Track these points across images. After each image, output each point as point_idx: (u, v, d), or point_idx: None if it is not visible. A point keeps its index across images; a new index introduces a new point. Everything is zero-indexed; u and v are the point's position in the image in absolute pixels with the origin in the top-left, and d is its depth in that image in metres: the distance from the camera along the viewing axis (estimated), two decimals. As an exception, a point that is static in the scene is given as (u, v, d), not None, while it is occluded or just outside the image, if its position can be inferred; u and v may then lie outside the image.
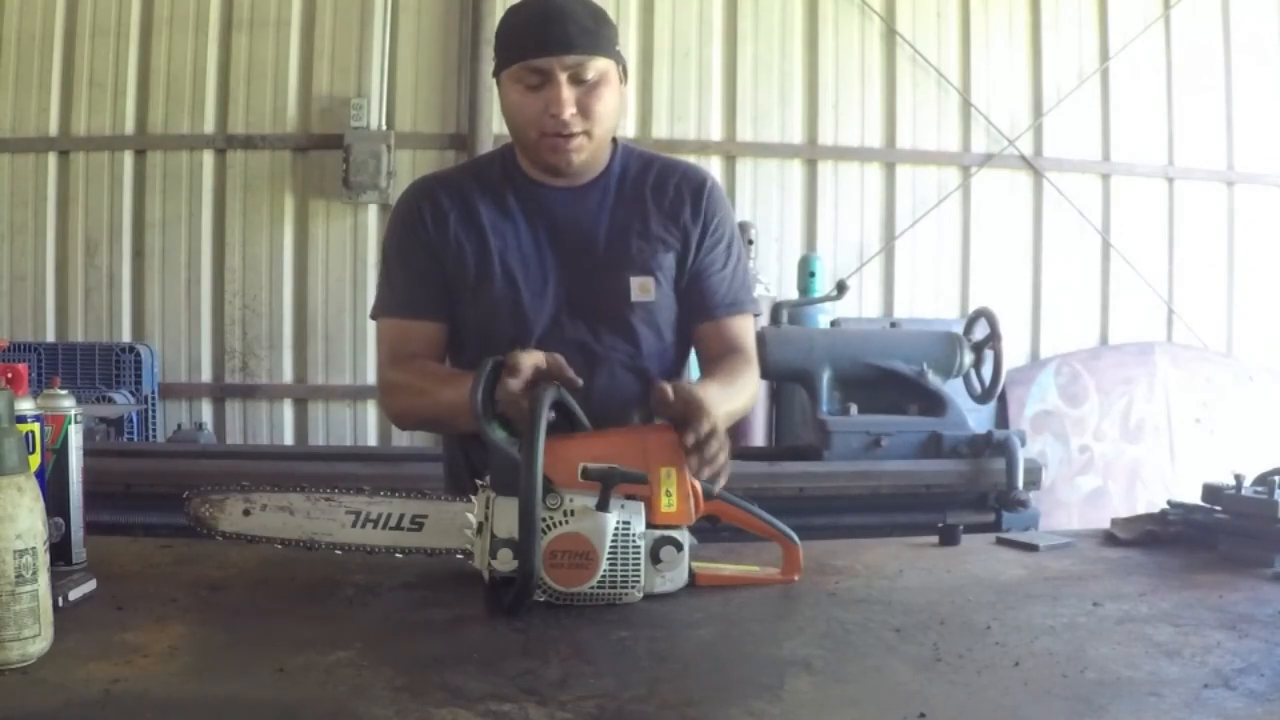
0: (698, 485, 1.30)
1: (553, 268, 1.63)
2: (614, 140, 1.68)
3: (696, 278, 1.68)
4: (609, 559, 1.22)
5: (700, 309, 1.68)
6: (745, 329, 1.72)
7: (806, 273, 4.71)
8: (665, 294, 1.66)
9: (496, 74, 1.60)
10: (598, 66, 1.54)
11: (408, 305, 1.64)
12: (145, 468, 3.32)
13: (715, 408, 1.31)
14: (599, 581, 1.22)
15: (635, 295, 1.63)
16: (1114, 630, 1.17)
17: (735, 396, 1.57)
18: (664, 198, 1.67)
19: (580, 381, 1.33)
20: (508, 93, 1.58)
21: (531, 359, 1.30)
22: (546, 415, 1.19)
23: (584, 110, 1.54)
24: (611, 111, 1.58)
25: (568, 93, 1.52)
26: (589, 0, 1.58)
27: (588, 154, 1.59)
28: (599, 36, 1.54)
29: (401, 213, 1.68)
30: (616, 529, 1.23)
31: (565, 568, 1.21)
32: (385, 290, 1.68)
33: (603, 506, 1.22)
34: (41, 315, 5.06)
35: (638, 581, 1.24)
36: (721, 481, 1.32)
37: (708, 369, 1.67)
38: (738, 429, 4.50)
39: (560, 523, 1.22)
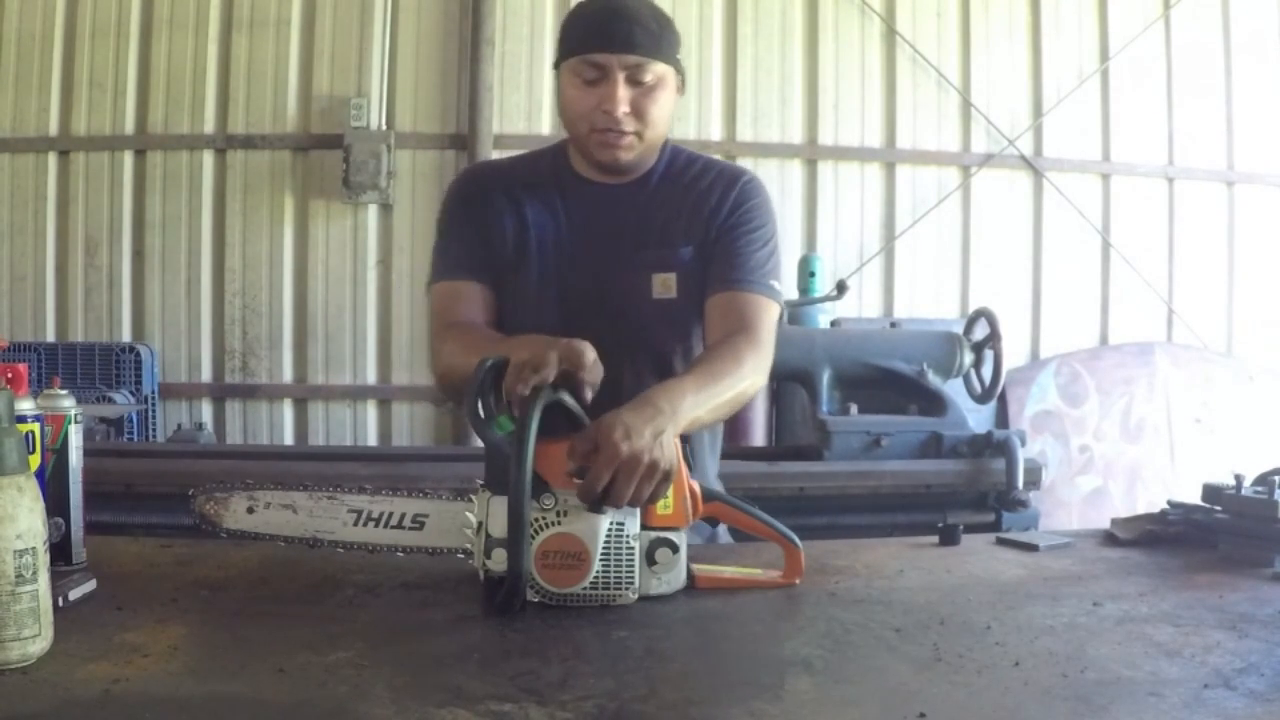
0: (696, 487, 1.30)
1: (585, 264, 1.65)
2: (665, 140, 1.69)
3: (717, 255, 1.62)
4: (602, 560, 1.22)
5: (711, 281, 1.62)
6: (758, 308, 1.59)
7: (806, 273, 4.71)
8: (690, 293, 1.63)
9: (556, 65, 1.62)
10: (656, 70, 1.56)
11: (457, 268, 1.67)
12: (145, 468, 3.31)
13: (649, 427, 1.23)
14: (592, 583, 1.22)
15: (657, 292, 1.63)
16: (1114, 630, 1.17)
17: (710, 398, 1.41)
18: (694, 194, 1.66)
19: (588, 388, 1.27)
20: (565, 85, 1.60)
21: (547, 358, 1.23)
22: (539, 414, 1.19)
23: (638, 111, 1.56)
24: (665, 117, 1.60)
25: (623, 91, 1.54)
26: (656, 5, 1.60)
27: (637, 154, 1.61)
28: (661, 41, 1.56)
29: (452, 192, 1.74)
30: (610, 530, 1.23)
31: (557, 568, 1.21)
32: (436, 260, 1.71)
33: (595, 508, 1.22)
34: (41, 315, 5.06)
35: (632, 583, 1.24)
36: (654, 499, 1.24)
37: (698, 359, 1.57)
38: (737, 427, 4.53)
39: (553, 523, 1.22)
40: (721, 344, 1.55)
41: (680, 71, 1.63)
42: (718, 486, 1.71)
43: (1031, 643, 1.12)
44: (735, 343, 1.53)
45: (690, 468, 1.32)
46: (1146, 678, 1.01)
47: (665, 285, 1.63)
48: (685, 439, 1.32)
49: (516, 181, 1.70)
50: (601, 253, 1.65)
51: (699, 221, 1.65)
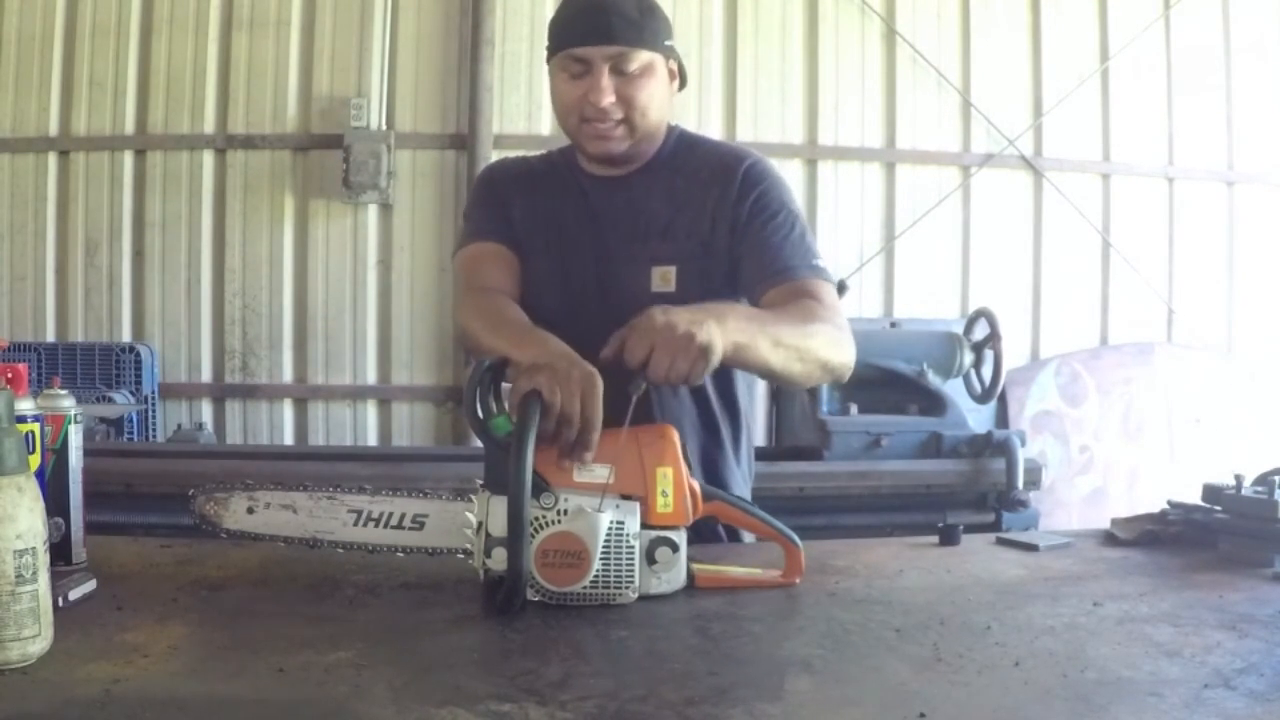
0: (695, 486, 1.30)
1: (587, 256, 1.66)
2: (671, 128, 1.70)
3: (748, 253, 1.60)
4: (602, 559, 1.22)
5: (753, 282, 1.59)
6: (816, 288, 1.56)
7: (806, 273, 4.69)
8: (692, 287, 1.61)
9: (549, 61, 1.64)
10: (640, 59, 1.56)
11: (482, 233, 1.71)
12: (145, 468, 3.32)
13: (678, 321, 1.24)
14: (592, 582, 1.22)
15: (656, 286, 1.62)
16: (1114, 630, 1.17)
17: (767, 329, 1.39)
18: (696, 184, 1.65)
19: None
20: (554, 81, 1.62)
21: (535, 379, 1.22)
22: (538, 414, 1.19)
23: (624, 100, 1.56)
24: (656, 104, 1.60)
25: (607, 81, 1.55)
26: None
27: (629, 144, 1.61)
28: (644, 29, 1.56)
29: (477, 179, 1.83)
30: (610, 529, 1.23)
31: (557, 567, 1.21)
32: (461, 232, 1.77)
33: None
34: (41, 315, 5.05)
35: (632, 582, 1.24)
36: (691, 379, 1.26)
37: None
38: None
39: (553, 522, 1.22)
40: (788, 303, 1.52)
41: (673, 58, 1.62)
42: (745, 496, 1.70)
43: (1031, 643, 1.12)
44: (804, 303, 1.51)
45: (689, 467, 1.32)
46: (1146, 678, 1.01)
47: (664, 279, 1.62)
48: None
49: (532, 173, 1.75)
50: (602, 244, 1.66)
51: (704, 215, 1.63)
